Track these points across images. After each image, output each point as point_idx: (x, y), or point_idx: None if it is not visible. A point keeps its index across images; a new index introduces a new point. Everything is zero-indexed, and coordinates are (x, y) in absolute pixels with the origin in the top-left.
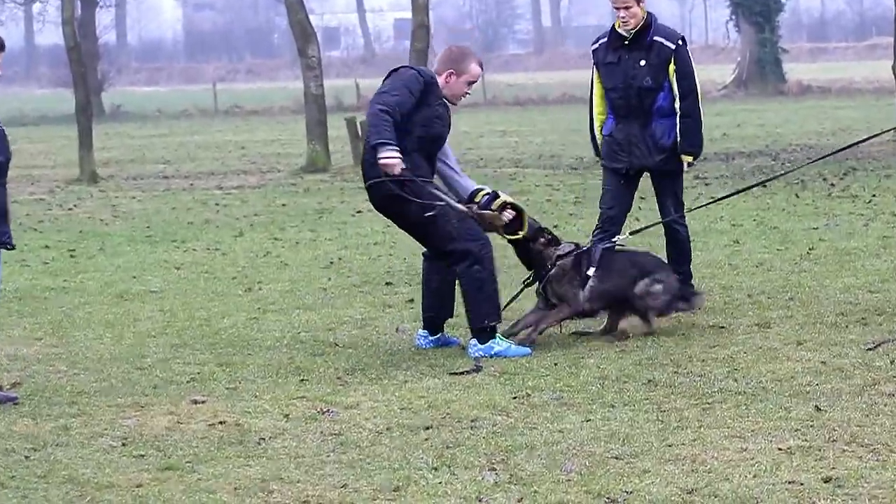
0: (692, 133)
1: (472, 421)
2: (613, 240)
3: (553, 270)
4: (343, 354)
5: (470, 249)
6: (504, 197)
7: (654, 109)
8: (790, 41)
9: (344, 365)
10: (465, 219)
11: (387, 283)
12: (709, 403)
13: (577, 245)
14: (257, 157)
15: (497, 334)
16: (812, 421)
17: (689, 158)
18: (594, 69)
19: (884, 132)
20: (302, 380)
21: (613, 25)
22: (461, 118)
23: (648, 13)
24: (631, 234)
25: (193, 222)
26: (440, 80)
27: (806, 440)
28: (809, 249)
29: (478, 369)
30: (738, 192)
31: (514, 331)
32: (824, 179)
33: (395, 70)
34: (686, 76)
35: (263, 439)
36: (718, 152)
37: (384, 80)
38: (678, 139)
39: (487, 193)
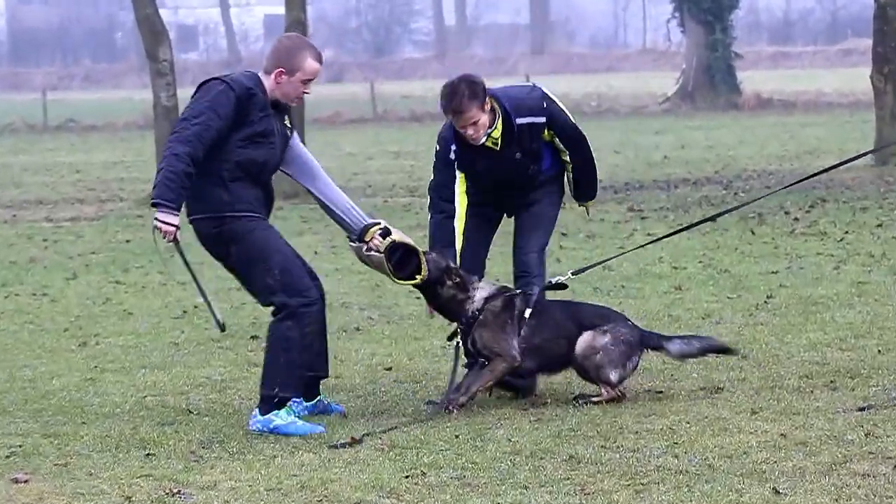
0: (590, 180)
1: None
2: (555, 280)
3: (480, 316)
4: (198, 423)
5: (286, 304)
6: (396, 234)
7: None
8: (747, 44)
9: (199, 436)
10: (290, 269)
11: (252, 337)
12: (643, 484)
13: (505, 287)
14: (96, 182)
15: (287, 407)
16: None
17: (591, 203)
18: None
19: (859, 156)
20: (148, 454)
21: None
22: (344, 137)
23: (496, 101)
24: (573, 273)
25: (16, 261)
26: (269, 81)
27: None
28: (767, 298)
29: (359, 440)
30: (682, 229)
31: (450, 400)
32: (786, 213)
33: (205, 83)
34: (566, 132)
35: None
36: (658, 179)
37: (193, 95)
38: (571, 189)
39: (381, 229)
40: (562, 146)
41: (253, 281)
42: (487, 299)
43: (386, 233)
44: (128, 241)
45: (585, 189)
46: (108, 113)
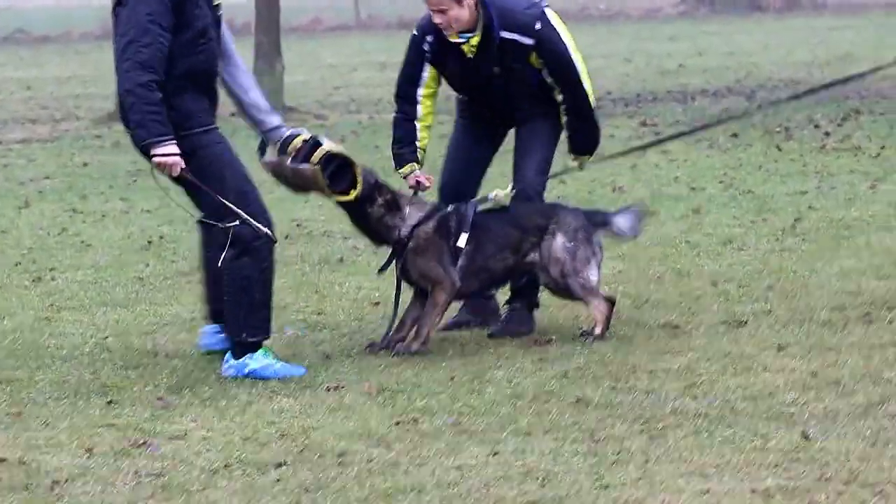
0: (586, 131)
1: (339, 455)
2: (491, 195)
3: (411, 243)
4: (165, 367)
5: (240, 235)
6: (328, 145)
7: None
8: None
9: (166, 381)
10: (245, 191)
11: None
12: (658, 430)
13: (438, 206)
14: (49, 99)
15: (263, 349)
16: (798, 453)
17: (587, 158)
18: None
19: None
20: (110, 401)
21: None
22: (325, 46)
23: (483, 5)
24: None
25: None
26: None
27: (790, 478)
28: (795, 221)
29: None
30: (668, 138)
31: (394, 343)
32: (816, 126)
33: None
34: (558, 67)
35: (58, 483)
36: (673, 90)
37: (115, 9)
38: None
39: (306, 140)
40: (550, 81)
41: (204, 201)
42: (419, 222)
43: (316, 144)
44: (85, 165)
45: (579, 141)
46: (62, 22)
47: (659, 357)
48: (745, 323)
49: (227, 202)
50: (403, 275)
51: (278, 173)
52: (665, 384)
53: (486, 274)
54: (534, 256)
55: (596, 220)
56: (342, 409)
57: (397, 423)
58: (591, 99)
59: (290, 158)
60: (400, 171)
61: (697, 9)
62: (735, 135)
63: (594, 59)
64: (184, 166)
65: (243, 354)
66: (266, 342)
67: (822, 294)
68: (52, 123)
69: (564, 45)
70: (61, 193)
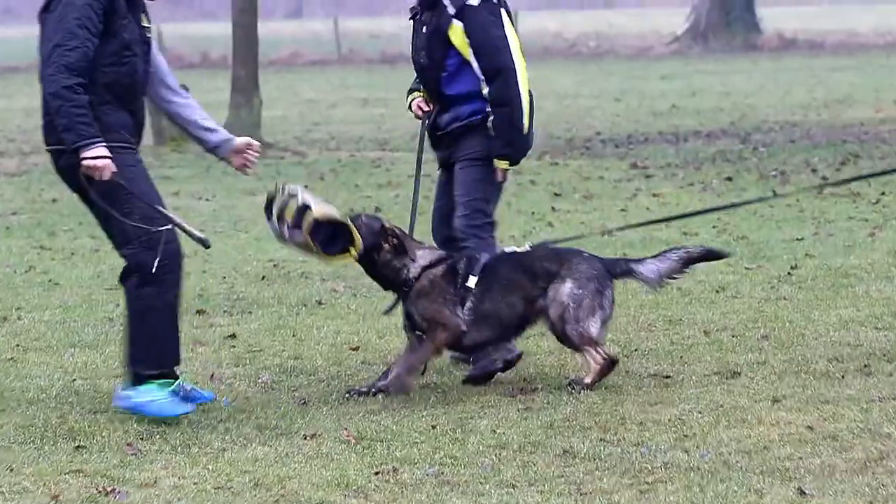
0: (506, 128)
1: None
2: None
3: (418, 284)
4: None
5: (143, 263)
6: (317, 208)
7: (448, 97)
8: None
9: (136, 426)
10: (152, 217)
11: (198, 312)
12: (648, 483)
13: (449, 254)
14: (16, 132)
15: (154, 383)
16: None
17: (504, 164)
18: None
19: None
20: (78, 447)
21: None
22: (304, 81)
23: None
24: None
25: None
26: None
27: None
28: (791, 269)
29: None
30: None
31: (385, 383)
32: (814, 171)
33: None
34: (485, 49)
35: None
36: (665, 131)
37: (42, 12)
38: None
39: (299, 205)
40: (477, 68)
41: (110, 223)
42: (428, 265)
43: (304, 207)
44: (54, 201)
45: (499, 138)
46: (30, 52)
47: (649, 408)
48: (739, 373)
49: (131, 223)
50: (408, 319)
51: (285, 244)
52: (655, 436)
53: (496, 319)
54: (542, 303)
55: (617, 270)
56: (319, 457)
57: (376, 473)
58: (524, 99)
59: (283, 227)
60: (408, 106)
61: (691, 47)
62: (729, 178)
63: (583, 99)
64: (115, 170)
65: (133, 387)
66: (181, 373)
67: (818, 345)
68: (19, 157)
69: (497, 27)
70: (29, 230)
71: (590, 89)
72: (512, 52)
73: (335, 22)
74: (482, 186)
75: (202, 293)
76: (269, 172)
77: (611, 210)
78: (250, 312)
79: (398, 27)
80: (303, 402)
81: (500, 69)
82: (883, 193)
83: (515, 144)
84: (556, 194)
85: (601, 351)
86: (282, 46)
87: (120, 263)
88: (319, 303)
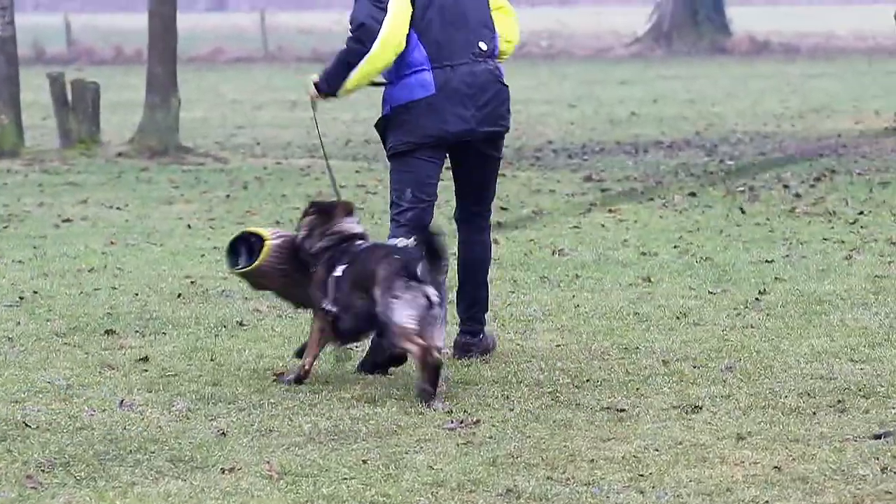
0: (336, 59)
1: None
2: (399, 240)
3: (314, 269)
4: (37, 440)
5: None
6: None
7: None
8: None
9: (38, 456)
10: None
11: (107, 332)
12: None
13: (344, 237)
14: None
15: None
16: None
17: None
18: None
19: None
20: None
21: None
22: (227, 80)
23: None
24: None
25: None
26: None
27: None
28: (760, 294)
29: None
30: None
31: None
32: (785, 187)
33: None
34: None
35: None
36: (623, 141)
37: None
38: None
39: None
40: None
41: None
42: (323, 249)
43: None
44: None
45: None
46: None
47: (601, 444)
48: (701, 408)
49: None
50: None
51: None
52: (608, 475)
53: (354, 311)
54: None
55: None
56: (238, 493)
57: None
58: (365, 62)
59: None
60: None
61: (653, 49)
62: (693, 194)
63: (534, 104)
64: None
65: None
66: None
67: (788, 377)
68: None
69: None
70: None
71: (541, 94)
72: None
73: (262, 16)
74: (393, 177)
75: (112, 312)
76: (188, 180)
77: (562, 227)
78: (164, 333)
79: (330, 22)
80: (221, 432)
81: (361, 24)
82: (861, 213)
83: (329, 78)
84: (502, 208)
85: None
86: (203, 42)
87: (21, 279)
88: (241, 324)
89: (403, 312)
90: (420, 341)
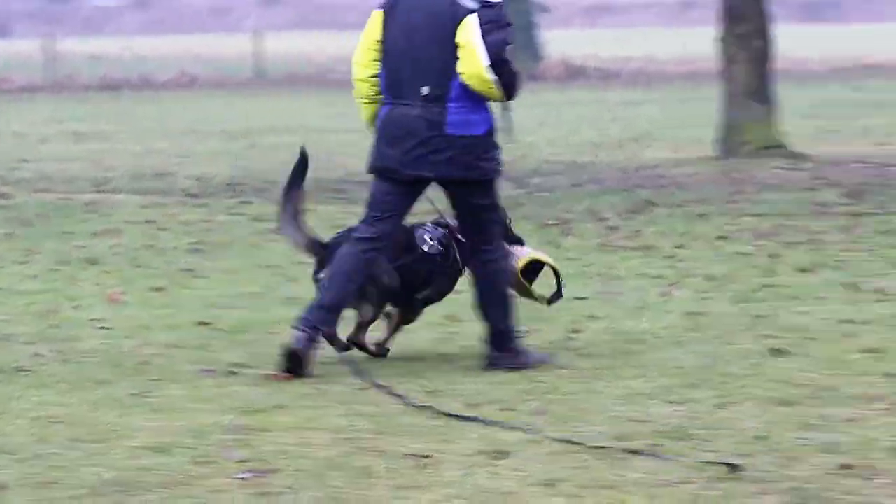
0: None
1: None
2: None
3: None
4: None
5: None
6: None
7: None
8: None
9: None
10: None
11: None
12: None
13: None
14: None
15: None
16: None
17: None
18: None
19: None
20: None
21: None
22: (9, 110)
23: None
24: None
25: None
26: None
27: None
28: (572, 332)
29: None
30: None
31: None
32: (600, 219)
33: None
34: None
35: None
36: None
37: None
38: None
39: None
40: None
41: None
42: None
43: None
44: None
45: None
46: None
47: (402, 493)
48: (509, 453)
49: None
50: None
51: None
52: None
53: None
54: None
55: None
56: None
57: None
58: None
59: None
60: None
61: None
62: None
63: (340, 133)
64: None
65: None
66: None
67: (601, 420)
68: None
69: None
70: None
71: (346, 123)
72: None
73: (47, 42)
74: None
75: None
76: None
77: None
78: None
79: (120, 48)
80: (0, 485)
81: None
82: (679, 246)
83: None
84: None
85: None
86: None
87: None
88: (21, 370)
89: None
90: None
